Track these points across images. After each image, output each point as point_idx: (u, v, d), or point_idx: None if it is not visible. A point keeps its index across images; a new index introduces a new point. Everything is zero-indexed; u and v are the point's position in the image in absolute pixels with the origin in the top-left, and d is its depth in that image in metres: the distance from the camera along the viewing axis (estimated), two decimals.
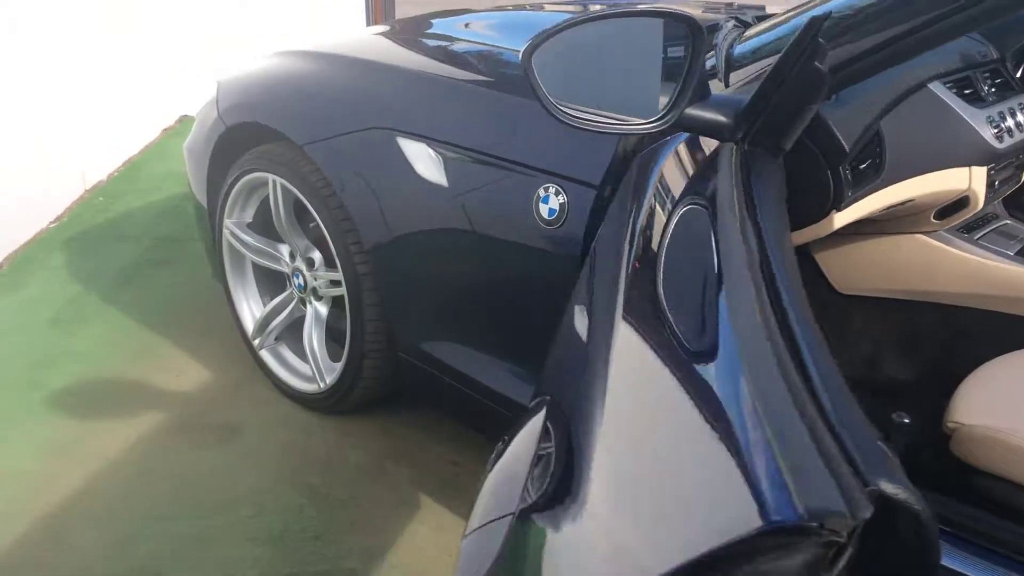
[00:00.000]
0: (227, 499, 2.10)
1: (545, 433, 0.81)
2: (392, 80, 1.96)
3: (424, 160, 1.83)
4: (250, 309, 2.58)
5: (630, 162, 1.49)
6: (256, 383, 2.57)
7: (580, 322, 0.97)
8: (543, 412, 0.87)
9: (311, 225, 2.27)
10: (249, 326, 2.56)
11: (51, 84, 3.78)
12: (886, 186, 1.59)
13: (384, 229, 1.97)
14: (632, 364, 0.83)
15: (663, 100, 1.15)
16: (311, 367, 2.35)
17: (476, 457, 2.23)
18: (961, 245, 1.96)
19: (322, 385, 2.33)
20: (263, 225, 2.45)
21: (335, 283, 2.23)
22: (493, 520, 0.78)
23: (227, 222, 2.47)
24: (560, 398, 0.85)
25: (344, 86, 2.05)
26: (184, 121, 5.05)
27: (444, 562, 1.93)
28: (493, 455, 0.99)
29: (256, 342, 2.53)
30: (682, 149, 1.35)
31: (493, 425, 1.94)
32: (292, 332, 2.51)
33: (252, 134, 2.32)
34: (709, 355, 0.75)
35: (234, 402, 2.49)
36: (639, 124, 1.13)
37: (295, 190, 2.16)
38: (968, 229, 2.02)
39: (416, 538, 1.99)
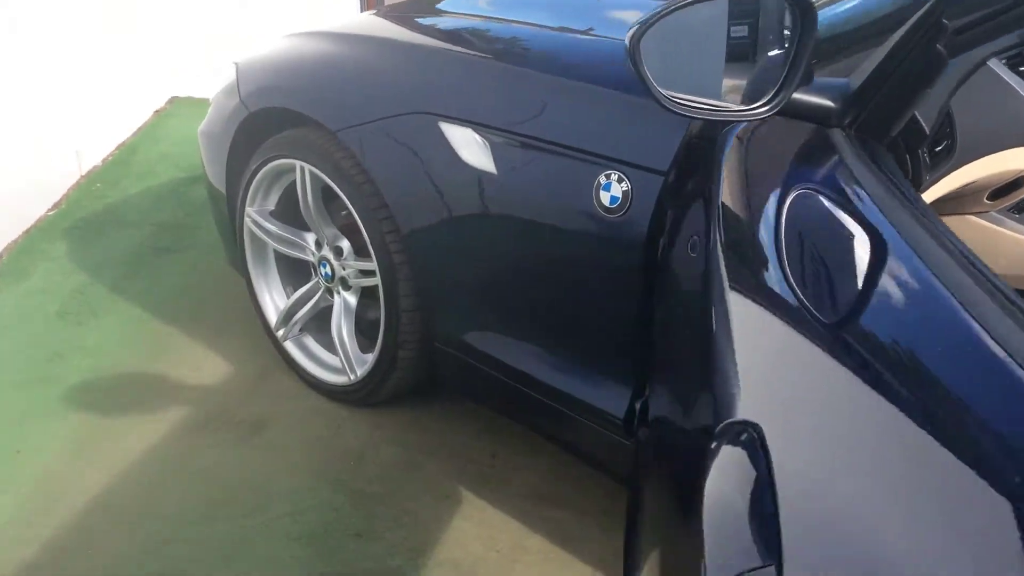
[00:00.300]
0: (262, 498, 2.03)
1: (764, 468, 0.73)
2: (434, 63, 1.88)
3: (470, 146, 1.76)
4: (272, 299, 2.50)
5: (701, 148, 1.43)
6: (279, 375, 2.50)
7: (740, 329, 0.90)
8: (746, 440, 0.78)
9: (342, 213, 2.19)
10: (272, 317, 2.49)
11: (43, 68, 3.66)
12: (957, 168, 1.55)
13: (424, 217, 1.90)
14: (841, 373, 0.77)
15: (765, 84, 1.09)
16: (340, 359, 2.29)
17: (515, 449, 2.18)
18: (1014, 226, 1.93)
19: (352, 377, 2.27)
20: (286, 213, 2.37)
21: (366, 273, 2.16)
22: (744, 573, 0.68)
23: (248, 210, 2.38)
24: (761, 421, 0.78)
25: (380, 69, 1.97)
26: (175, 102, 4.93)
27: (492, 559, 1.89)
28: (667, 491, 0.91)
29: (280, 333, 2.46)
30: (763, 133, 1.30)
31: (537, 416, 1.89)
32: (316, 323, 2.43)
33: (277, 119, 2.23)
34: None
35: (258, 396, 2.42)
36: (746, 110, 1.07)
37: (325, 177, 2.09)
38: (1018, 210, 1.98)
39: (461, 535, 1.94)
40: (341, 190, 2.07)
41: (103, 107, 4.14)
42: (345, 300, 2.29)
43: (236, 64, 2.41)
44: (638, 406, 1.65)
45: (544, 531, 1.94)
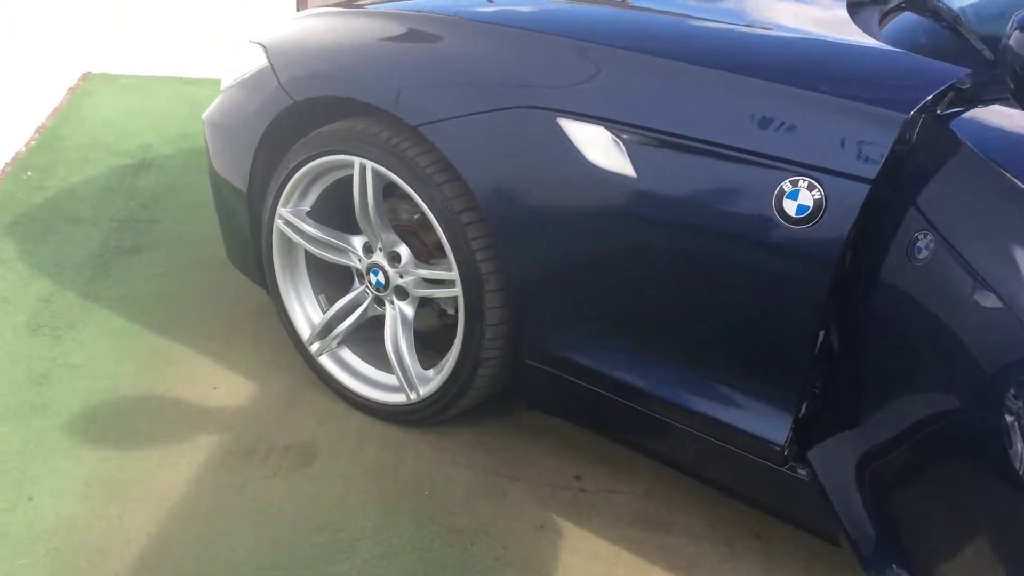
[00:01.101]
0: (342, 539, 1.81)
1: None
2: (552, 52, 1.68)
3: (601, 146, 1.59)
4: (303, 309, 2.25)
5: (918, 152, 1.32)
6: (313, 394, 2.25)
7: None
8: None
9: (416, 217, 1.97)
10: (303, 329, 2.23)
11: None
12: None
13: (532, 223, 1.71)
14: None
15: None
16: (397, 376, 2.06)
17: (599, 469, 2.03)
18: None
19: (414, 396, 2.05)
20: (321, 214, 2.12)
21: (437, 282, 1.95)
22: None
23: (282, 211, 2.12)
24: None
25: (477, 56, 1.76)
26: (89, 79, 4.51)
27: None
28: None
29: (314, 348, 2.21)
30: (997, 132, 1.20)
31: (666, 441, 1.75)
32: (354, 334, 2.20)
33: (325, 111, 1.98)
34: None
35: (295, 418, 2.17)
36: None
37: (394, 176, 1.86)
38: None
39: (574, 571, 1.77)
40: (417, 191, 1.85)
41: (11, 86, 3.71)
42: (401, 311, 2.07)
43: (263, 46, 2.13)
44: (792, 430, 1.54)
45: (663, 561, 1.80)
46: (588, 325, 1.75)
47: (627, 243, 1.62)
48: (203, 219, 3.24)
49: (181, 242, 3.09)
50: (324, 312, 2.24)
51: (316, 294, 2.26)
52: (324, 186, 2.10)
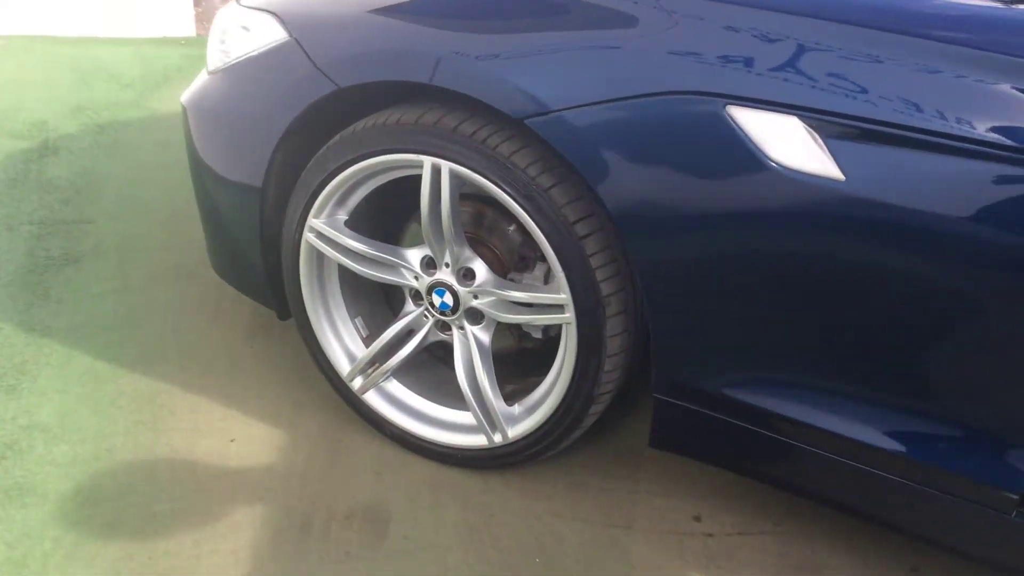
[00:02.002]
0: None
1: None
2: (719, 21, 1.33)
3: (789, 141, 1.27)
4: (338, 338, 1.85)
5: None
6: (356, 437, 1.88)
7: None
8: None
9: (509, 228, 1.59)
10: (341, 361, 1.83)
11: None
12: None
13: (683, 235, 1.39)
14: None
15: None
16: (475, 415, 1.71)
17: (718, 509, 1.75)
18: None
19: (498, 439, 1.71)
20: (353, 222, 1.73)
21: (528, 305, 1.59)
22: None
23: (315, 222, 1.70)
24: None
25: (608, 28, 1.38)
26: None
27: None
28: None
29: (357, 383, 1.82)
30: None
31: (847, 486, 1.48)
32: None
33: (380, 97, 1.58)
34: None
35: (344, 472, 1.79)
36: None
37: (481, 179, 1.49)
38: None
39: None
40: (515, 198, 1.48)
41: None
42: (476, 338, 1.70)
43: (275, 15, 1.68)
44: None
45: None
46: (754, 356, 1.45)
47: (823, 261, 1.31)
48: (144, 216, 2.75)
49: (127, 248, 2.61)
50: (363, 338, 1.84)
51: (352, 318, 1.86)
52: (369, 191, 1.69)
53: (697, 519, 1.73)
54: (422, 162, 1.55)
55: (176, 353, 2.11)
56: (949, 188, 1.20)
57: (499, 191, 1.49)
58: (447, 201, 1.56)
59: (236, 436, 1.86)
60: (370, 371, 1.81)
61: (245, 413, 1.93)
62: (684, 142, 1.34)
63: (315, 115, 1.64)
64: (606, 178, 1.40)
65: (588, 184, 1.41)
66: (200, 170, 1.89)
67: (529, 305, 1.61)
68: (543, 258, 1.67)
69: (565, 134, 1.40)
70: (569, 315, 1.53)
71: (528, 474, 1.79)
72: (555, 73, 1.39)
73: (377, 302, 1.94)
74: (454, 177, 1.54)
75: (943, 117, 1.19)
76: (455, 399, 1.80)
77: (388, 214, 1.82)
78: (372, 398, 1.84)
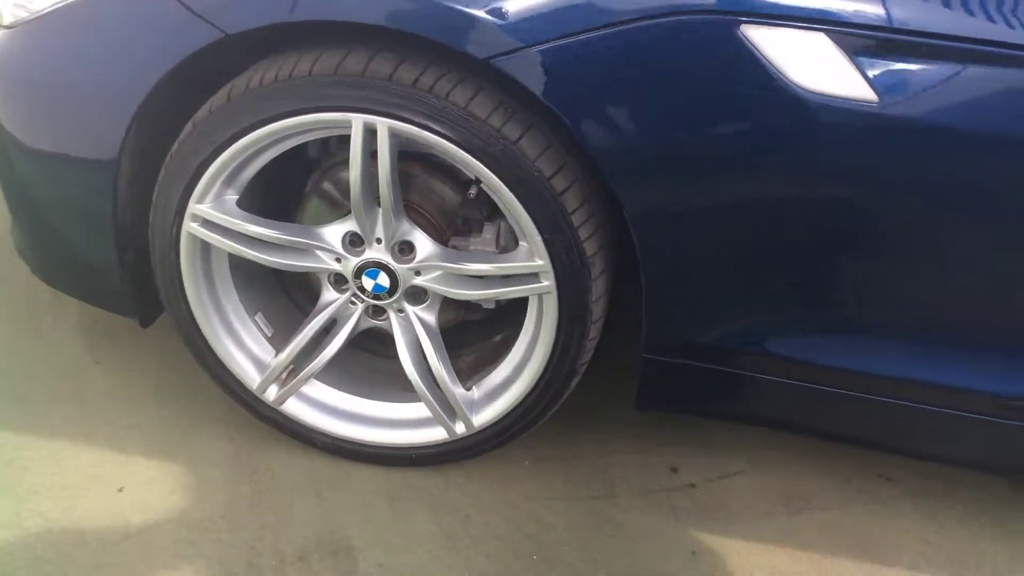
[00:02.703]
0: None
1: None
2: None
3: (814, 61, 1.12)
4: (238, 342, 1.52)
5: None
6: (278, 455, 1.58)
7: None
8: None
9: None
10: (248, 371, 1.52)
11: None
12: None
13: (690, 175, 1.22)
14: None
15: None
16: (429, 406, 1.48)
17: (689, 458, 1.65)
18: None
19: (461, 429, 1.49)
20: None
21: (487, 278, 1.37)
22: None
23: (198, 208, 1.35)
24: None
25: None
26: None
27: None
28: None
29: (271, 393, 1.52)
30: None
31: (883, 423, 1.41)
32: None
33: (263, 46, 1.26)
34: None
35: (281, 504, 1.50)
36: None
37: (434, 138, 1.23)
38: None
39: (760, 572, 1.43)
40: (476, 155, 1.23)
41: None
42: (421, 320, 1.45)
43: None
44: None
45: (828, 536, 1.51)
46: (763, 302, 1.32)
47: (851, 194, 1.19)
48: None
49: None
50: (267, 337, 1.53)
51: (251, 315, 1.53)
52: (265, 162, 1.36)
53: (675, 470, 1.62)
54: (348, 122, 1.24)
55: (2, 386, 1.66)
56: (1001, 107, 1.10)
57: (454, 148, 1.23)
58: (386, 166, 1.27)
59: (123, 483, 1.50)
60: (286, 378, 1.50)
61: (123, 451, 1.56)
62: (689, 70, 1.15)
63: (188, 72, 1.27)
64: (595, 120, 1.19)
65: (572, 130, 1.19)
66: (13, 149, 1.44)
67: (483, 277, 1.37)
68: (490, 219, 1.43)
69: (544, 72, 1.16)
70: (548, 283, 1.32)
71: (486, 460, 1.58)
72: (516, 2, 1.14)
73: (273, 290, 1.61)
74: (393, 136, 1.25)
75: (997, 22, 1.07)
76: (393, 391, 1.55)
77: (268, 187, 1.48)
78: (292, 407, 1.54)
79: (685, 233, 1.25)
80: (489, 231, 1.43)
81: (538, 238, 1.28)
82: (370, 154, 1.28)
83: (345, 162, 1.43)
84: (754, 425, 1.53)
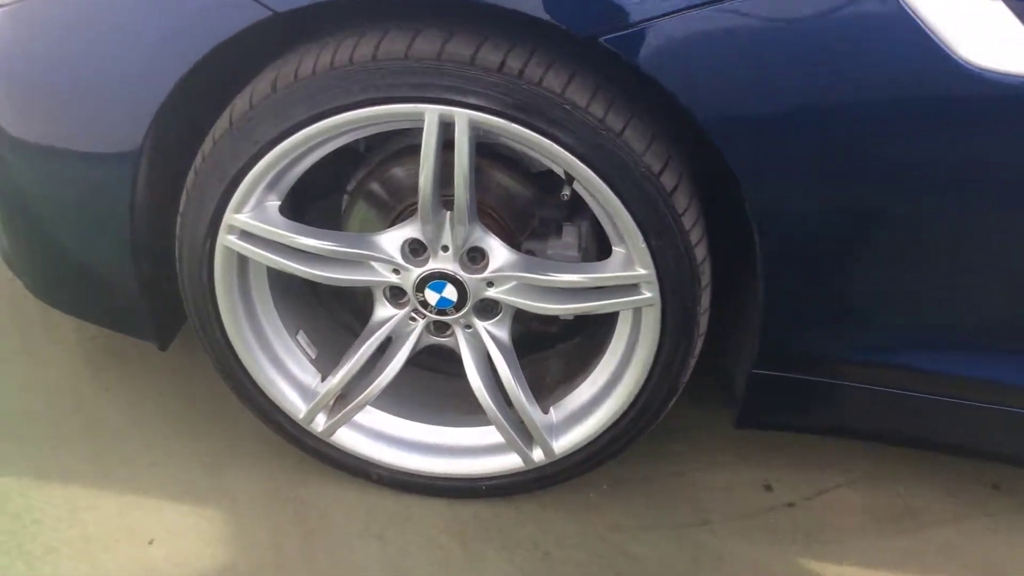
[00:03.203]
0: None
1: None
2: None
3: (990, 31, 0.95)
4: (281, 367, 1.33)
5: None
6: (330, 495, 1.39)
7: None
8: None
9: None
10: (293, 400, 1.32)
11: None
12: None
13: (834, 169, 1.04)
14: None
15: None
16: (504, 431, 1.30)
17: (781, 474, 1.49)
18: None
19: (540, 456, 1.32)
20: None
21: (577, 291, 1.19)
22: None
23: (237, 218, 1.15)
24: None
25: None
26: None
27: None
28: None
29: (320, 423, 1.33)
30: None
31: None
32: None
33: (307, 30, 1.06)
34: None
35: (339, 550, 1.32)
36: None
37: (525, 132, 1.04)
38: None
39: None
40: (577, 152, 1.04)
41: None
42: (493, 336, 1.27)
43: None
44: None
45: (939, 550, 1.36)
46: (905, 311, 1.16)
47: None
48: None
49: None
50: (311, 359, 1.34)
51: (292, 335, 1.33)
52: (310, 165, 1.16)
53: (768, 487, 1.47)
54: (420, 114, 1.05)
55: (12, 419, 1.46)
56: None
57: (547, 143, 1.05)
58: (465, 164, 1.08)
59: (152, 534, 1.31)
60: (336, 405, 1.31)
61: (147, 494, 1.37)
62: (835, 45, 0.96)
63: (223, 59, 1.06)
64: (723, 106, 1.00)
65: (698, 118, 1.00)
66: (7, 144, 1.23)
67: (568, 289, 1.19)
68: (569, 219, 1.24)
69: (662, 52, 0.97)
70: (651, 295, 1.14)
71: (560, 486, 1.41)
72: None
73: (312, 305, 1.42)
74: (473, 130, 1.05)
75: None
76: (457, 414, 1.38)
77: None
78: (344, 437, 1.35)
79: (821, 231, 1.09)
80: (570, 234, 1.24)
81: (642, 244, 1.10)
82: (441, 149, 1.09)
83: (394, 158, 1.25)
84: (863, 439, 1.37)
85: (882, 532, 1.40)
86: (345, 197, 1.35)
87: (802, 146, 1.01)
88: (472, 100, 1.03)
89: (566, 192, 1.11)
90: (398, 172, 1.26)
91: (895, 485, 1.48)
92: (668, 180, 1.07)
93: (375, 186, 1.28)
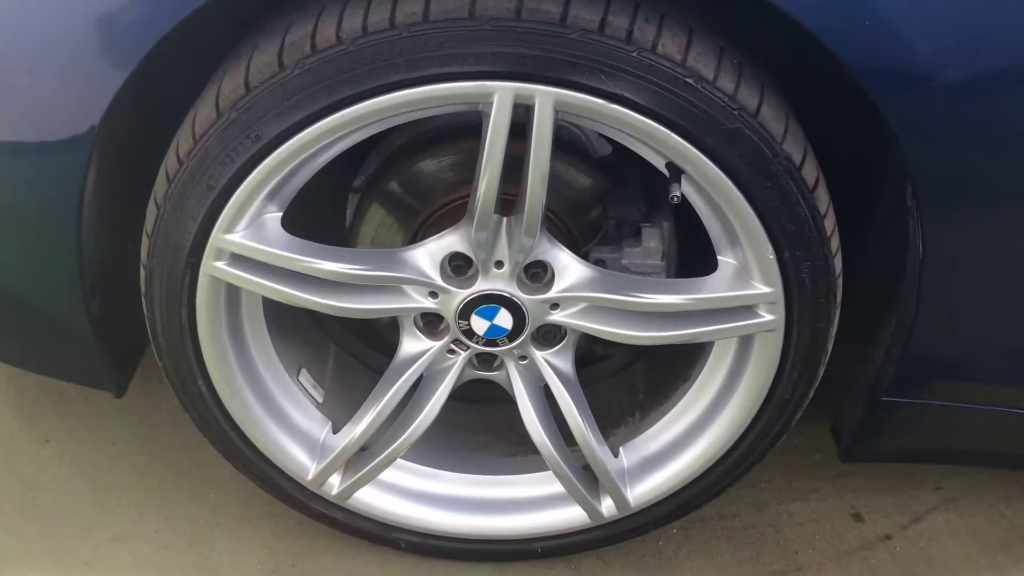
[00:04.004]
0: None
1: None
2: None
3: None
4: (279, 418, 1.04)
5: None
6: (344, 570, 1.12)
7: None
8: None
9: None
10: (296, 456, 1.04)
11: None
12: None
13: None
14: None
15: None
16: (567, 480, 1.05)
17: (871, 504, 1.28)
18: None
19: (609, 509, 1.07)
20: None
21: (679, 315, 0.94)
22: None
23: (228, 239, 0.86)
24: None
25: None
26: None
27: None
28: None
29: (334, 486, 1.06)
30: None
31: None
32: None
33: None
34: None
35: None
36: None
37: (633, 115, 0.77)
38: None
39: None
40: (698, 139, 0.78)
41: None
42: (553, 368, 1.01)
43: None
44: None
45: None
46: None
47: None
48: None
49: None
50: (317, 404, 1.06)
51: (293, 375, 1.04)
52: (322, 166, 0.86)
53: (857, 517, 1.26)
54: (488, 95, 0.76)
55: None
56: None
57: (661, 130, 0.78)
58: (544, 158, 0.80)
59: None
60: (355, 464, 1.04)
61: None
62: None
63: (206, 25, 0.76)
64: (901, 85, 0.75)
65: (873, 94, 0.75)
66: None
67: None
68: (648, 217, 0.98)
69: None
70: (773, 319, 0.90)
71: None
72: None
73: (312, 334, 1.13)
74: (557, 112, 0.78)
75: None
76: (499, 457, 1.12)
77: None
78: (364, 498, 1.07)
79: (1004, 235, 0.85)
80: (651, 238, 0.98)
81: (770, 255, 0.84)
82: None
83: (421, 147, 0.97)
84: (988, 467, 1.17)
85: (994, 566, 1.21)
86: (351, 197, 1.06)
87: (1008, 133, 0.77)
88: (560, 74, 0.75)
89: (676, 193, 0.84)
90: (427, 166, 0.98)
91: (990, 506, 1.28)
92: (809, 173, 0.82)
93: (395, 185, 1.00)
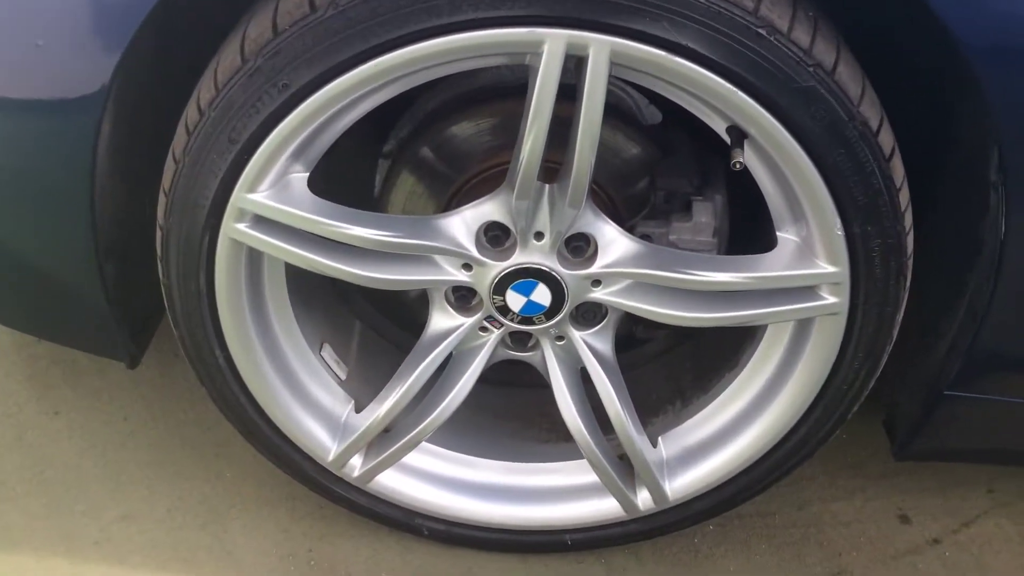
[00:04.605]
0: None
1: None
2: None
3: None
4: (300, 395, 0.98)
5: None
6: (365, 558, 1.06)
7: None
8: None
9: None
10: (316, 435, 0.98)
11: None
12: None
13: None
14: None
15: None
16: (602, 470, 0.98)
17: (919, 507, 1.21)
18: None
19: (645, 502, 1.01)
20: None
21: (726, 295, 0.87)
22: None
23: (251, 198, 0.79)
24: None
25: None
26: None
27: None
28: None
29: (356, 467, 1.00)
30: None
31: None
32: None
33: None
34: None
35: None
36: None
37: (698, 70, 0.72)
38: None
39: None
40: (769, 99, 0.71)
41: None
42: (592, 349, 0.94)
43: None
44: None
45: None
46: None
47: None
48: None
49: None
50: (340, 381, 1.00)
51: (316, 350, 0.98)
52: (353, 122, 0.80)
53: (904, 519, 1.19)
54: (537, 44, 0.70)
55: None
56: None
57: (727, 87, 0.71)
58: (596, 119, 0.74)
59: None
60: (379, 445, 0.98)
61: (121, 560, 1.05)
62: None
63: None
64: (1001, 50, 0.69)
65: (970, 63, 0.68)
66: None
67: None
68: (698, 192, 0.91)
69: None
70: (836, 301, 0.83)
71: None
72: None
73: (336, 308, 1.07)
74: (611, 65, 0.71)
75: None
76: (532, 444, 1.06)
77: None
78: (385, 481, 1.01)
79: None
80: (702, 212, 0.91)
81: (839, 230, 0.77)
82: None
83: (456, 108, 0.91)
84: None
85: None
86: (380, 163, 1.00)
87: None
88: (622, 22, 0.68)
89: (739, 159, 0.77)
90: (463, 129, 0.91)
91: None
92: (885, 141, 0.75)
93: (428, 150, 0.94)
